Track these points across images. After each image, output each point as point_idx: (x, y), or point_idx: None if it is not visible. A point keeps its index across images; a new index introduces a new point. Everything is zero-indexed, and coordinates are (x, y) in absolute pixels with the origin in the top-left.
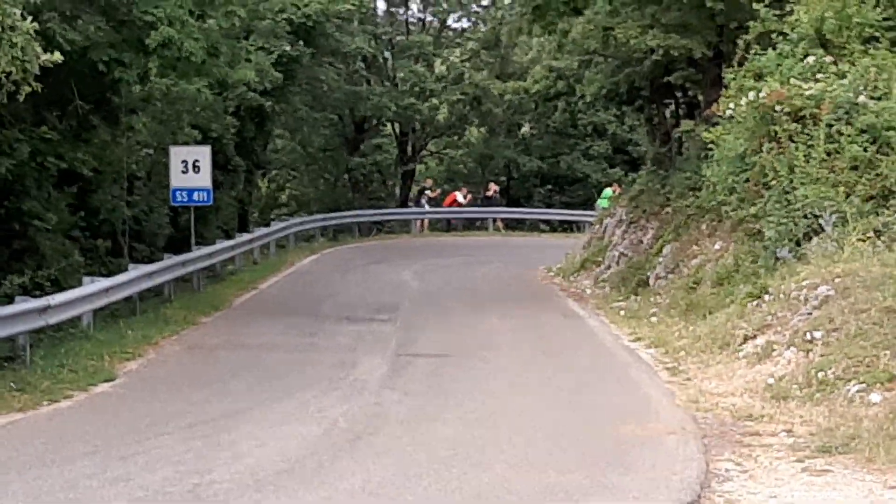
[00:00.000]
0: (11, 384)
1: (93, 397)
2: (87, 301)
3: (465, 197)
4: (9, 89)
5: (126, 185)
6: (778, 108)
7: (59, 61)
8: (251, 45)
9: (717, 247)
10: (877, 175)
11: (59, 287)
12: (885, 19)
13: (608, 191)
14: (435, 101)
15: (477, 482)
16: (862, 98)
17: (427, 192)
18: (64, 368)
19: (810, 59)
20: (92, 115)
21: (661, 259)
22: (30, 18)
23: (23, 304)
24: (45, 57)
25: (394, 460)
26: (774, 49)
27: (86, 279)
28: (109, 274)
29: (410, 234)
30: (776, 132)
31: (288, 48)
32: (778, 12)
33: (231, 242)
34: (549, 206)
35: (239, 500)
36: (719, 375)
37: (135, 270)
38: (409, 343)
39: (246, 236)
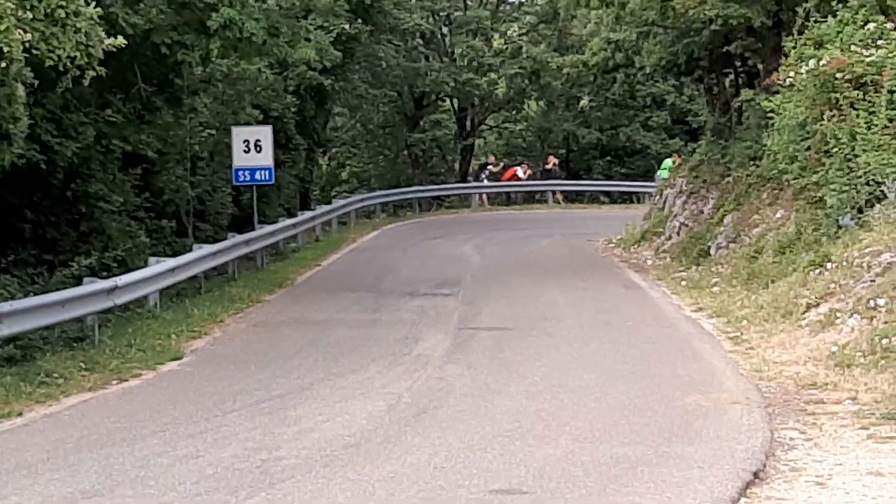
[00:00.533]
0: (81, 364)
1: (161, 376)
2: (154, 281)
3: (524, 173)
4: (74, 74)
5: (189, 165)
6: (839, 75)
7: (123, 45)
8: (310, 24)
9: (778, 215)
10: None
11: (125, 268)
12: None
13: (668, 161)
14: (493, 75)
15: (542, 455)
16: None
17: (489, 167)
18: (132, 348)
19: (871, 25)
20: (155, 98)
21: (722, 229)
22: (93, 4)
23: (91, 286)
24: (108, 41)
25: (458, 434)
26: (834, 16)
27: (151, 259)
28: (175, 254)
29: (470, 209)
30: (837, 100)
31: (346, 26)
32: None
33: (293, 220)
34: (608, 178)
35: (306, 475)
36: (782, 344)
37: (199, 250)
38: (471, 317)
39: (308, 214)
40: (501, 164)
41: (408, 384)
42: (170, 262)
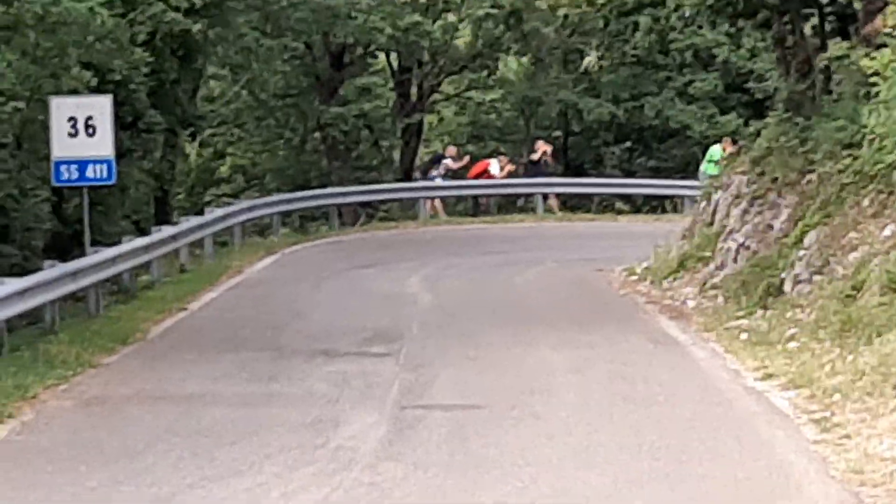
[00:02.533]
0: None
1: None
2: None
3: (502, 168)
4: None
5: None
6: None
7: None
8: None
9: (887, 233)
10: None
11: None
12: None
13: (715, 150)
14: (452, 18)
15: None
16: None
17: (447, 161)
18: None
19: None
20: None
21: (802, 253)
22: None
23: None
24: None
25: None
26: None
27: None
28: None
29: (418, 222)
30: None
31: None
32: None
33: (145, 241)
34: (628, 175)
35: None
36: (895, 430)
37: (1, 286)
38: (418, 389)
39: (168, 231)
40: (466, 159)
41: (322, 494)
42: None
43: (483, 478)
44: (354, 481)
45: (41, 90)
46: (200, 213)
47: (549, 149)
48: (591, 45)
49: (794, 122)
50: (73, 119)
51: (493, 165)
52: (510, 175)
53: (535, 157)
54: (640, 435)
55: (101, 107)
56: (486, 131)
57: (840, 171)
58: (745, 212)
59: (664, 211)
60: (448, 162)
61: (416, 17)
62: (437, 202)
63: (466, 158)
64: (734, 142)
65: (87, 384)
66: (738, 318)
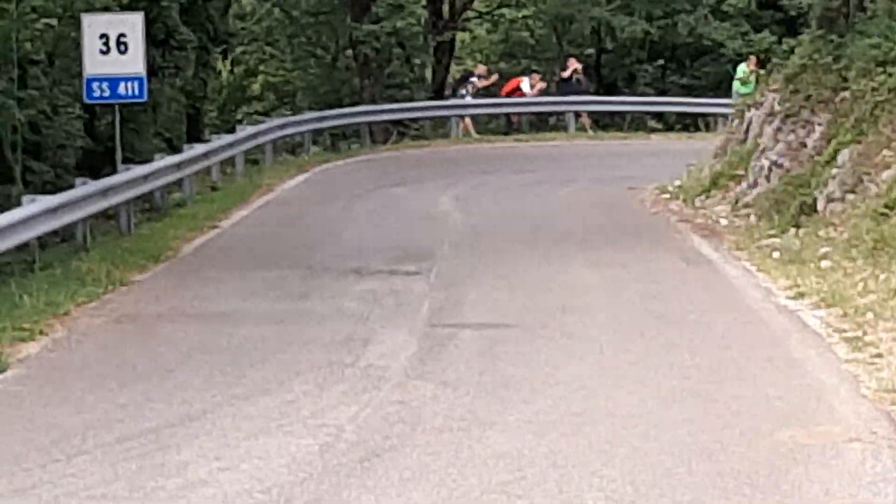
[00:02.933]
0: None
1: None
2: None
3: (532, 87)
4: None
5: (16, 73)
6: None
7: None
8: None
9: None
10: None
11: None
12: None
13: (742, 68)
14: None
15: None
16: None
17: (475, 79)
18: None
19: None
20: None
21: (835, 171)
22: None
23: None
24: None
25: (429, 490)
26: None
27: None
28: None
29: (449, 140)
30: None
31: None
32: None
33: (177, 158)
34: (661, 93)
35: None
36: None
37: (31, 204)
38: (449, 308)
39: (199, 148)
40: (494, 77)
41: (352, 412)
42: None
43: (512, 397)
44: (384, 400)
45: (73, 7)
46: (232, 130)
47: (580, 66)
48: None
49: (828, 39)
50: (104, 36)
51: (525, 83)
52: (541, 93)
53: (565, 74)
54: (671, 354)
55: (132, 24)
56: (518, 49)
57: (874, 90)
58: (778, 130)
59: (697, 129)
60: (475, 80)
61: None
62: (468, 120)
63: (495, 77)
64: (758, 60)
65: (118, 302)
66: (771, 236)
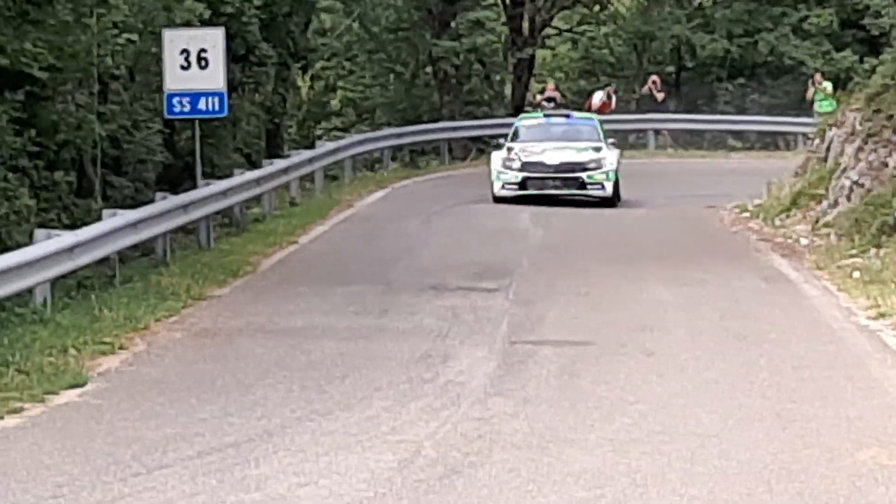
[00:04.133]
0: None
1: (53, 412)
2: (42, 266)
3: (603, 99)
4: None
5: (97, 89)
6: None
7: None
8: None
9: None
10: None
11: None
12: None
13: (827, 85)
14: None
15: None
16: None
17: (546, 98)
18: (8, 368)
19: None
20: None
21: None
22: None
23: None
24: None
25: None
26: None
27: (39, 233)
28: (74, 224)
29: None
30: None
31: None
32: None
33: (256, 174)
34: (741, 112)
35: None
36: None
37: (112, 219)
38: (528, 325)
39: (279, 164)
40: (555, 95)
41: (431, 428)
42: (67, 238)
43: (592, 414)
44: (463, 416)
45: (154, 22)
46: (311, 146)
47: (657, 79)
48: None
49: None
50: (185, 51)
51: (595, 97)
52: (604, 108)
53: (645, 90)
54: (751, 373)
55: (213, 39)
56: (598, 66)
57: None
58: (860, 149)
59: (777, 148)
60: (546, 98)
61: None
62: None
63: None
64: (823, 76)
65: (197, 316)
66: (851, 256)
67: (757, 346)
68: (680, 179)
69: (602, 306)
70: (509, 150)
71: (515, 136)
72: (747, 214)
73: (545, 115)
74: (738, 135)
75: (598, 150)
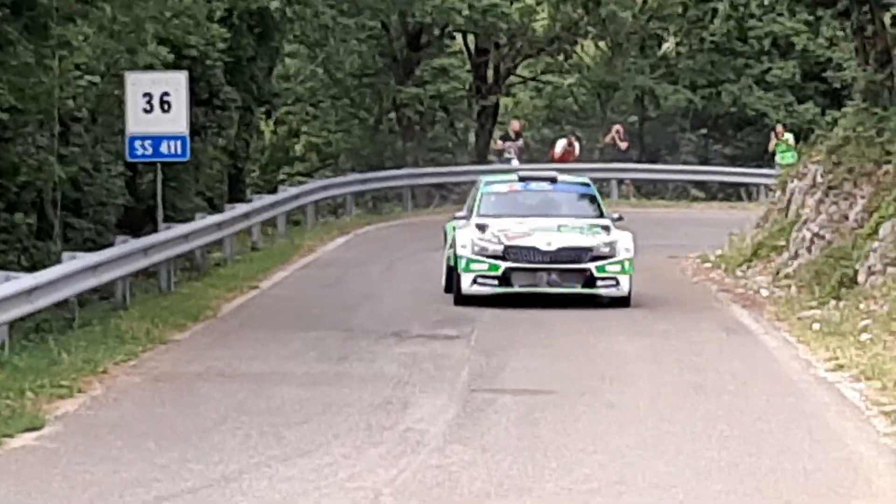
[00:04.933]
0: None
1: (9, 455)
2: (0, 308)
3: (565, 147)
4: None
5: (59, 130)
6: None
7: None
8: None
9: None
10: None
11: None
12: None
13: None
14: (530, 0)
15: None
16: None
17: (510, 141)
18: None
19: None
20: (7, 25)
21: (876, 244)
22: None
23: None
24: None
25: None
26: None
27: None
28: (34, 267)
29: None
30: None
31: None
32: None
33: (218, 218)
34: (703, 162)
35: None
36: None
37: (72, 261)
38: (489, 373)
39: (241, 208)
40: (516, 143)
41: (390, 475)
42: (26, 280)
43: (551, 464)
44: (422, 464)
45: (117, 65)
46: (274, 191)
47: (621, 129)
48: (669, 31)
49: (872, 112)
50: (148, 95)
51: (558, 146)
52: (567, 156)
53: (608, 138)
54: (710, 425)
55: (176, 83)
56: (562, 115)
57: None
58: (821, 201)
59: (739, 199)
60: (509, 143)
61: (495, 0)
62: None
63: (516, 143)
64: (784, 127)
65: (157, 360)
66: (811, 308)
67: (717, 398)
68: (642, 229)
69: (563, 356)
70: (481, 227)
71: (480, 207)
72: (709, 265)
73: (521, 179)
74: (700, 185)
75: (606, 229)
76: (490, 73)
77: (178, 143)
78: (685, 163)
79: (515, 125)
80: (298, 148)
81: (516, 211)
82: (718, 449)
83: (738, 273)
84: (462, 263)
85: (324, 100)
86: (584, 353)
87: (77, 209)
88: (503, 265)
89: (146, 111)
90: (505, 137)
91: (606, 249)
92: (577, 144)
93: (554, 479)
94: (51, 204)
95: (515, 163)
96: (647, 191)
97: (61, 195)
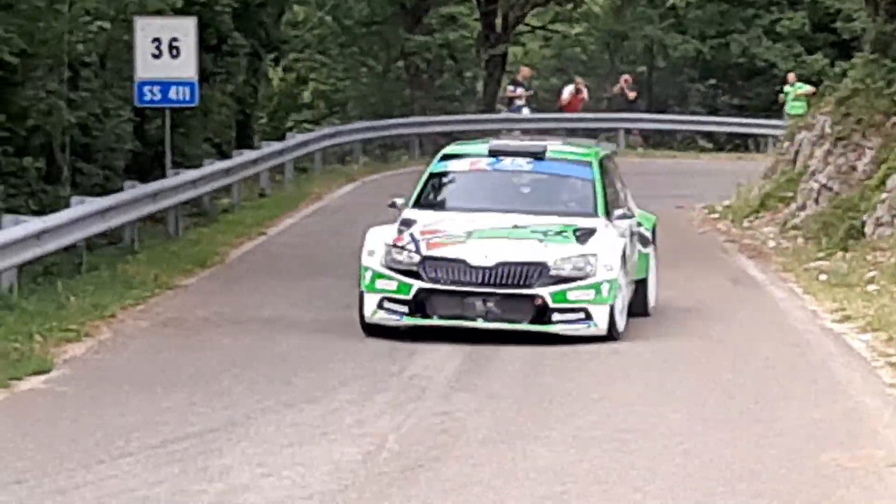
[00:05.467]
0: None
1: (16, 398)
2: (9, 252)
3: (572, 93)
4: None
5: (67, 76)
6: None
7: None
8: None
9: None
10: None
11: None
12: None
13: (799, 86)
14: None
15: None
16: None
17: (519, 87)
18: None
19: None
20: None
21: (884, 195)
22: None
23: None
24: None
25: (469, 502)
26: None
27: (6, 218)
28: (42, 210)
29: None
30: None
31: None
32: None
33: (226, 164)
34: (711, 112)
35: None
36: None
37: (81, 206)
38: None
39: (249, 155)
40: (525, 93)
41: (395, 422)
42: (35, 224)
43: (556, 411)
44: (428, 411)
45: (126, 10)
46: (282, 138)
47: (629, 78)
48: None
49: (881, 63)
50: (157, 40)
51: (565, 92)
52: (576, 103)
53: (616, 89)
54: (715, 374)
55: (185, 28)
56: (570, 64)
57: None
58: (829, 153)
59: (747, 150)
60: (520, 89)
61: None
62: (517, 135)
63: (526, 93)
64: (795, 77)
65: (164, 305)
66: (818, 259)
67: (722, 347)
68: (650, 180)
69: None
70: (407, 224)
71: (426, 193)
72: (716, 215)
73: (492, 153)
74: (708, 135)
75: (586, 234)
76: (499, 21)
77: (187, 88)
78: (693, 113)
79: (525, 72)
80: (306, 95)
81: (471, 201)
82: (724, 398)
83: (746, 224)
84: (366, 278)
85: (332, 47)
86: None
87: (86, 154)
88: (416, 285)
89: (155, 56)
90: (515, 83)
91: (570, 267)
92: (585, 90)
93: (559, 426)
94: (60, 148)
95: (526, 111)
96: (655, 141)
97: (70, 140)
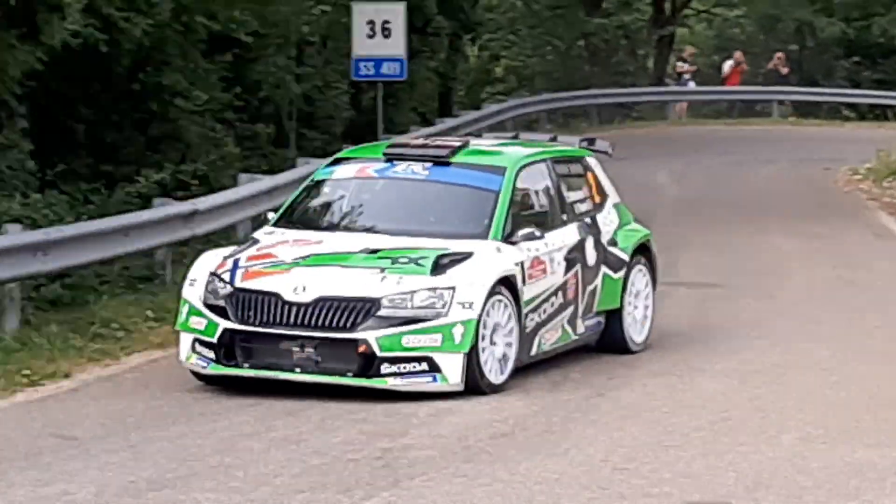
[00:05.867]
0: (148, 313)
1: None
2: (245, 205)
3: (732, 66)
4: None
5: (295, 53)
6: None
7: None
8: None
9: None
10: None
11: (207, 186)
12: None
13: None
14: None
15: (757, 458)
16: None
17: (685, 63)
18: None
19: None
20: None
21: None
22: None
23: (162, 209)
24: None
25: (644, 427)
26: None
27: (242, 177)
28: (272, 170)
29: (667, 122)
30: None
31: None
32: None
33: (429, 130)
34: (855, 86)
35: (440, 471)
36: None
37: (306, 166)
38: (664, 268)
39: (449, 122)
40: (690, 68)
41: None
42: (266, 181)
43: (719, 347)
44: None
45: None
46: (478, 108)
47: (782, 56)
48: None
49: None
50: (371, 22)
51: (725, 66)
52: (735, 77)
53: (770, 65)
54: (859, 315)
55: (395, 12)
56: (729, 44)
57: None
58: None
59: (886, 119)
60: (685, 64)
61: None
62: (683, 106)
63: (691, 68)
64: None
65: None
66: None
67: (865, 293)
68: (800, 145)
69: (728, 254)
70: (243, 247)
71: (296, 205)
72: (859, 177)
73: (387, 158)
74: (851, 107)
75: (453, 260)
76: (668, 5)
77: (397, 64)
78: (838, 87)
79: (690, 50)
80: (499, 70)
81: (342, 217)
82: (867, 337)
83: (885, 184)
84: (182, 313)
85: (521, 28)
86: (746, 251)
87: (309, 121)
88: (221, 325)
89: (369, 36)
90: (681, 59)
91: (411, 305)
92: (744, 63)
93: (722, 360)
94: (287, 116)
95: (692, 84)
96: (804, 112)
97: (296, 109)
